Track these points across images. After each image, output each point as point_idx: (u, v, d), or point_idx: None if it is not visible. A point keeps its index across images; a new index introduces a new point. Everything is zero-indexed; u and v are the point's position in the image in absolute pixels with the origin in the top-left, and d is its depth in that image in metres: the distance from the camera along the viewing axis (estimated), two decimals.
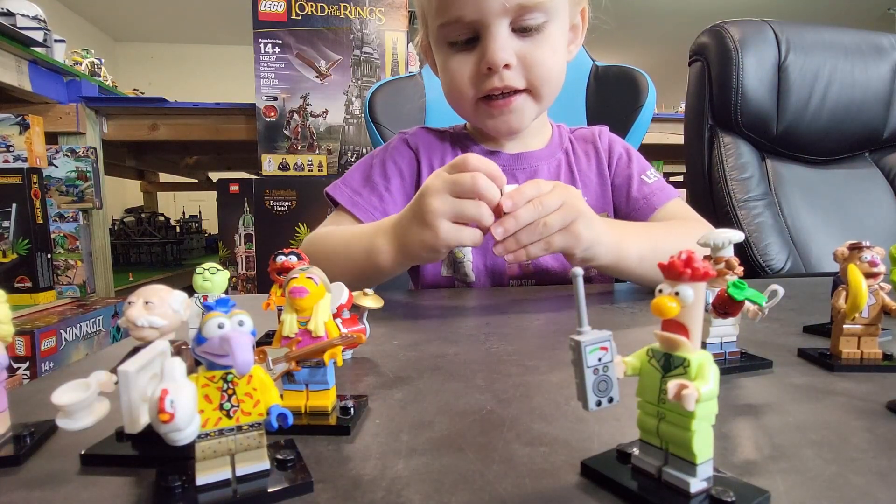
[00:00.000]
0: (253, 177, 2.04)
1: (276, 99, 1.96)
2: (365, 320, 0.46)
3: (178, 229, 3.44)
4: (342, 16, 1.96)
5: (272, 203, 1.97)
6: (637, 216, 0.81)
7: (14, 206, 1.54)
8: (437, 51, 0.79)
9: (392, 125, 1.04)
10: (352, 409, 0.31)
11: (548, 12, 0.72)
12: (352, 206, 0.80)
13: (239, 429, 0.24)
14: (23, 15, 1.91)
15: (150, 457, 0.27)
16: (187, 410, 0.21)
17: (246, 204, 2.17)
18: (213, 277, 0.39)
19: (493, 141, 0.85)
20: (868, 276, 0.37)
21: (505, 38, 0.71)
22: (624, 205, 0.83)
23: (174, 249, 3.13)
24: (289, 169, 2.00)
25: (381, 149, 0.88)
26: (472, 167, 0.58)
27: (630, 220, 0.80)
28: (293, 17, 1.94)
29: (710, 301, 0.36)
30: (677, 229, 0.75)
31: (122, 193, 4.86)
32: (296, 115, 1.98)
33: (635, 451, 0.25)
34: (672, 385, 0.21)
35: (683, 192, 0.85)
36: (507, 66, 0.72)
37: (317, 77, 1.97)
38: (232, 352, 0.22)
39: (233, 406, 0.24)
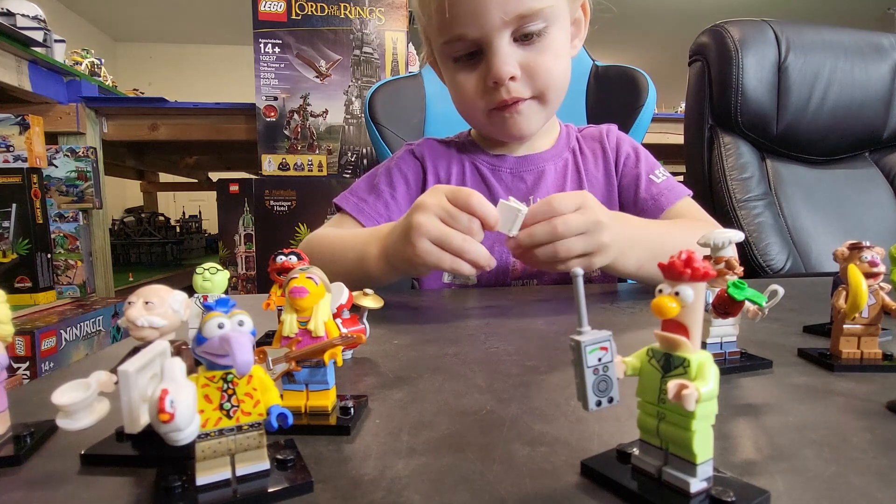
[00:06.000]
0: (253, 177, 2.04)
1: (276, 99, 1.96)
2: (365, 320, 0.46)
3: (178, 229, 3.44)
4: (342, 16, 1.96)
5: (272, 203, 1.97)
6: (645, 217, 0.79)
7: (14, 206, 1.54)
8: (444, 66, 0.80)
9: (392, 125, 1.04)
10: (352, 409, 0.31)
11: (547, 17, 0.72)
12: (357, 213, 0.80)
13: (239, 429, 0.24)
14: (23, 15, 1.90)
15: (150, 457, 0.27)
16: (187, 410, 0.21)
17: (246, 204, 2.17)
18: (213, 277, 0.39)
19: (500, 146, 0.86)
20: (868, 276, 0.37)
21: (507, 52, 0.71)
22: (631, 205, 0.82)
23: (174, 249, 3.12)
24: (289, 169, 2.00)
25: (388, 160, 0.89)
26: (475, 207, 0.56)
27: None
28: (293, 17, 1.93)
29: (710, 301, 0.36)
30: (682, 225, 0.75)
31: (122, 193, 4.86)
32: (296, 115, 1.98)
33: (635, 451, 0.25)
34: (672, 385, 0.21)
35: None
36: (512, 78, 0.72)
37: (317, 77, 1.97)
38: (232, 352, 0.22)
39: (233, 406, 0.24)
